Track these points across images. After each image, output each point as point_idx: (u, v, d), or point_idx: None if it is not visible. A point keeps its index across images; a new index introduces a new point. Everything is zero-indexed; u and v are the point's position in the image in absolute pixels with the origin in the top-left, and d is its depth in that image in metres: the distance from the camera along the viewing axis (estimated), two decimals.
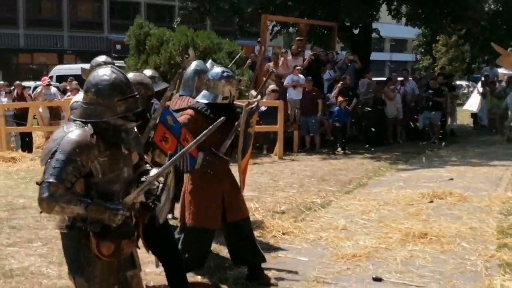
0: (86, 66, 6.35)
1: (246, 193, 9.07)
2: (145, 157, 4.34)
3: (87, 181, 3.22)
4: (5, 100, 15.51)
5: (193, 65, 6.30)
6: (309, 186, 9.91)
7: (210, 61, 6.97)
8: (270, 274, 5.57)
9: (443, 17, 20.02)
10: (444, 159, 13.21)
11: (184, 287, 4.81)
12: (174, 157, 3.51)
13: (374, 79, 17.45)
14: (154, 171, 3.52)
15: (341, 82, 15.11)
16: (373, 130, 15.35)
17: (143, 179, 3.45)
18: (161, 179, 3.50)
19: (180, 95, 6.17)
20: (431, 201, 8.60)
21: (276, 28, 21.71)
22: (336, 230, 7.14)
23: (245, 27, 23.96)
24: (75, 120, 3.29)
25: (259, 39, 16.28)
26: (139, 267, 3.54)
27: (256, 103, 5.25)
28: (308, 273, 5.67)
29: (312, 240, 6.77)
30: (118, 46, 39.89)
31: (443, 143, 15.06)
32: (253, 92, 5.89)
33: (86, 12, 42.86)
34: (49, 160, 3.14)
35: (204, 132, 3.50)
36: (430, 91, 16.50)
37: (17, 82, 16.54)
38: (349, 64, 16.52)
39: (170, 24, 22.63)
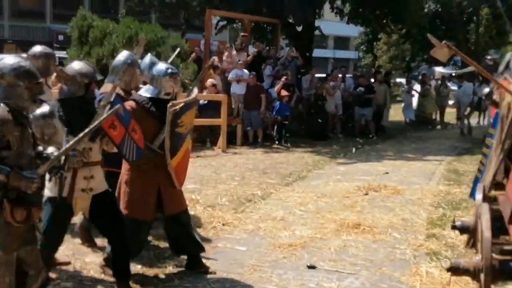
0: None
1: (188, 185, 9.27)
2: (92, 144, 4.54)
3: (0, 154, 3.52)
4: None
5: (124, 56, 6.06)
6: (250, 179, 10.10)
7: (149, 55, 6.95)
8: (209, 263, 5.72)
9: (383, 17, 20.61)
10: (381, 153, 13.65)
11: (126, 274, 4.92)
12: (78, 136, 3.88)
13: (317, 75, 17.80)
14: (52, 149, 3.89)
15: (285, 77, 15.37)
16: (316, 123, 15.74)
17: (55, 153, 3.83)
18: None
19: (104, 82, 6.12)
20: (366, 194, 8.93)
21: (221, 23, 21.84)
22: (275, 221, 7.35)
23: (191, 21, 24.03)
24: None
25: (203, 34, 16.37)
26: (37, 243, 3.88)
27: (181, 105, 5.22)
28: (245, 262, 5.84)
29: (251, 231, 6.96)
30: (61, 37, 38.99)
31: (375, 138, 15.55)
32: (195, 91, 6.04)
33: (28, 1, 41.80)
34: None
35: (99, 120, 4.06)
36: (360, 89, 17.02)
37: None
38: (291, 60, 16.77)
39: (115, 15, 22.42)
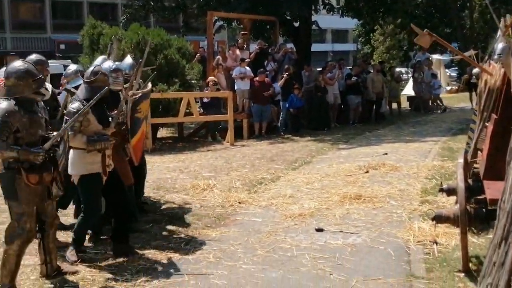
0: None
1: (204, 173, 10.28)
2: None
3: (15, 136, 4.82)
4: None
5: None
6: (259, 166, 11.07)
7: (101, 57, 7.97)
8: (231, 232, 6.72)
9: (375, 9, 21.61)
10: (381, 138, 14.61)
11: (123, 239, 6.06)
12: (69, 121, 5.35)
13: (318, 69, 18.76)
14: (55, 133, 5.18)
15: (287, 73, 16.33)
16: (317, 114, 16.76)
17: (54, 133, 5.15)
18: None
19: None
20: (367, 172, 9.90)
21: (218, 24, 22.70)
22: (285, 198, 8.33)
23: (190, 24, 24.96)
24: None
25: (206, 35, 17.35)
26: (53, 198, 5.24)
27: (139, 94, 6.73)
28: (262, 229, 6.84)
29: (264, 206, 7.95)
30: (62, 46, 40.26)
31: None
32: (149, 84, 7.27)
33: (28, 12, 42.81)
34: None
35: (90, 103, 5.41)
36: (355, 78, 18.02)
37: None
38: (285, 55, 17.72)
39: (114, 22, 23.35)
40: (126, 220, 6.17)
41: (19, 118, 4.79)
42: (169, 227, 7.05)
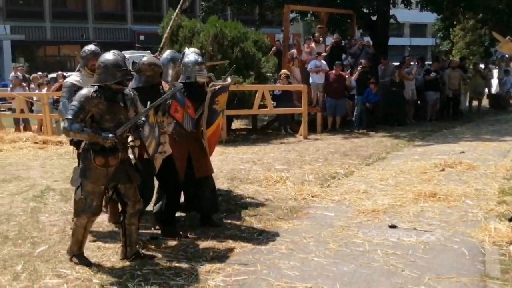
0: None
1: (277, 166, 10.41)
2: (164, 117, 6.15)
3: (93, 120, 5.21)
4: (44, 90, 16.86)
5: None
6: (332, 160, 11.10)
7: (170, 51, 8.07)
8: (303, 225, 6.81)
9: (456, 4, 21.05)
10: (458, 136, 14.33)
11: (172, 219, 6.46)
12: (146, 108, 5.48)
13: (394, 63, 18.54)
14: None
15: (361, 66, 16.25)
16: (393, 109, 16.59)
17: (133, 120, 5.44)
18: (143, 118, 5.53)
19: None
20: (443, 170, 9.76)
21: (292, 16, 22.67)
22: (358, 193, 8.34)
23: (266, 16, 25.13)
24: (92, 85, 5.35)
25: (282, 28, 17.45)
26: (133, 183, 5.47)
27: (219, 86, 6.80)
28: (334, 223, 6.88)
29: (337, 201, 7.99)
30: (142, 37, 41.37)
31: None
32: (229, 79, 7.38)
33: (110, 4, 44.26)
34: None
35: (163, 97, 5.70)
36: (433, 74, 17.64)
37: (60, 72, 17.97)
38: (362, 49, 17.58)
39: (191, 14, 23.69)
40: (174, 202, 6.49)
41: (95, 104, 5.18)
42: (243, 217, 7.21)
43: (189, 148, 6.62)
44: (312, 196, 8.21)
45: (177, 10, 9.02)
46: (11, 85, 17.89)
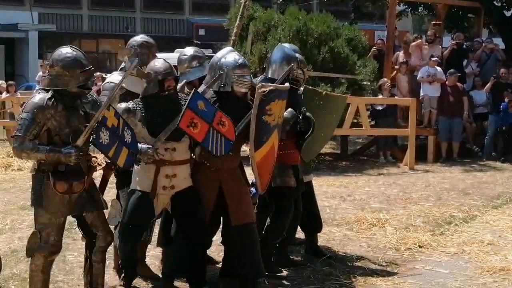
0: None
1: (373, 204, 10.34)
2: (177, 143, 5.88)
3: (49, 134, 5.18)
4: None
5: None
6: (448, 200, 10.95)
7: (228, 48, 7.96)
8: (407, 284, 6.71)
9: None
10: None
11: (201, 272, 6.10)
12: (106, 99, 5.41)
13: None
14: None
15: (494, 75, 15.81)
16: None
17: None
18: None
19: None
20: None
21: (399, 8, 22.47)
22: (481, 245, 8.17)
23: (363, 8, 25.06)
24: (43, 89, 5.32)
25: (386, 24, 17.39)
26: (102, 209, 5.52)
27: (271, 88, 6.01)
28: (449, 284, 6.76)
29: (453, 254, 7.85)
30: (202, 31, 41.88)
31: None
32: (287, 83, 6.73)
33: None
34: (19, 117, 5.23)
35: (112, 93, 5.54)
36: None
37: (98, 73, 18.45)
38: (489, 54, 17.20)
39: (266, 3, 23.90)
40: (201, 254, 6.16)
41: (52, 115, 5.15)
42: (326, 269, 7.15)
43: (222, 176, 6.14)
44: (419, 246, 8.09)
45: None
46: (37, 87, 18.46)
